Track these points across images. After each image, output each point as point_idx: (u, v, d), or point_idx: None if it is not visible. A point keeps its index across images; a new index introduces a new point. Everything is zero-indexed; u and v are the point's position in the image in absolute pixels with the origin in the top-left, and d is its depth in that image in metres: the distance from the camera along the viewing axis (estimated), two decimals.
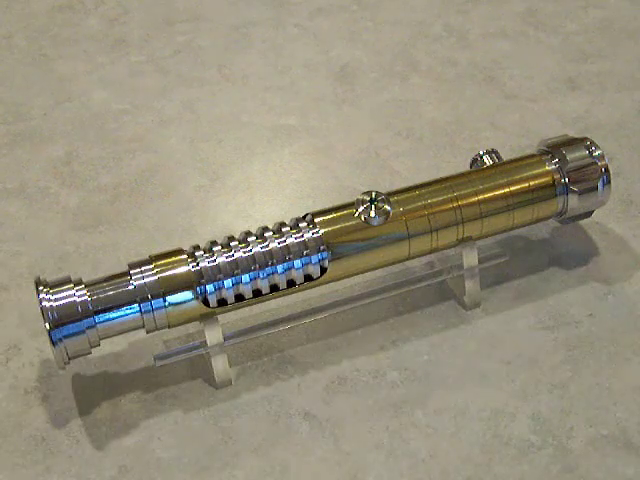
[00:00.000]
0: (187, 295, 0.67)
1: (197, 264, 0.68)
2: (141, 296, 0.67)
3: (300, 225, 0.70)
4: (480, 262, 0.74)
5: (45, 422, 0.69)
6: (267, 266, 0.69)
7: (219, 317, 0.69)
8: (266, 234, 0.70)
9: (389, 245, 0.71)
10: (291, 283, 0.70)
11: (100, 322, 0.66)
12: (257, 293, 0.70)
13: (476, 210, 0.72)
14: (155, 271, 0.68)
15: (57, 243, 0.81)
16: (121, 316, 0.67)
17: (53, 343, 0.65)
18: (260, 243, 0.69)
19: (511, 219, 0.74)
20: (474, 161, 0.77)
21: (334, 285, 0.74)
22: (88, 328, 0.66)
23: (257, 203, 0.85)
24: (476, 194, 0.73)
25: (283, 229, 0.70)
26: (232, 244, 0.69)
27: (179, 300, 0.67)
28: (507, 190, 0.73)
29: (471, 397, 0.69)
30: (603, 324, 0.74)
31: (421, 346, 0.73)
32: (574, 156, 0.74)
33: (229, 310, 0.69)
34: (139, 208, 0.84)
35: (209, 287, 0.68)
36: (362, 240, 0.70)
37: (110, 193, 0.86)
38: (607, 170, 0.75)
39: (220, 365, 0.70)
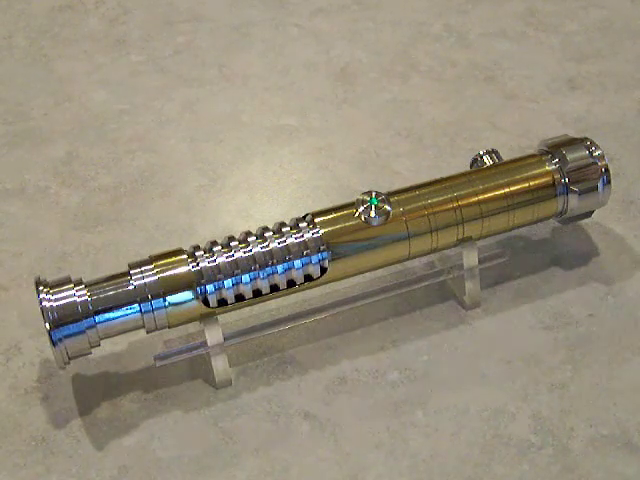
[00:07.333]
0: (187, 295, 0.67)
1: (197, 264, 0.68)
2: (141, 296, 0.67)
3: (300, 225, 0.70)
4: (480, 262, 0.74)
5: (45, 422, 0.69)
6: (267, 266, 0.69)
7: (219, 317, 0.69)
8: (266, 234, 0.70)
9: (389, 245, 0.71)
10: (291, 283, 0.70)
11: (100, 322, 0.67)
12: (257, 293, 0.70)
13: (476, 210, 0.72)
14: (155, 271, 0.68)
15: (57, 243, 0.81)
16: (121, 316, 0.67)
17: (53, 343, 0.66)
18: (260, 243, 0.69)
19: (511, 219, 0.74)
20: (474, 161, 0.77)
21: (334, 285, 0.74)
22: (88, 328, 0.66)
23: (257, 203, 0.85)
24: (476, 194, 0.73)
25: (283, 229, 0.70)
26: (232, 244, 0.69)
27: (179, 300, 0.67)
28: (507, 190, 0.73)
29: (471, 397, 0.69)
30: (603, 324, 0.74)
31: (421, 346, 0.73)
32: (574, 156, 0.74)
33: (229, 310, 0.69)
34: (139, 208, 0.84)
35: (209, 287, 0.68)
36: (362, 240, 0.70)
37: (110, 193, 0.86)
38: (607, 170, 0.75)
39: (220, 365, 0.70)
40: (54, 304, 0.66)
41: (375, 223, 0.70)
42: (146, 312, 0.67)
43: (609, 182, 0.75)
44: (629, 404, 0.69)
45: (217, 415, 0.69)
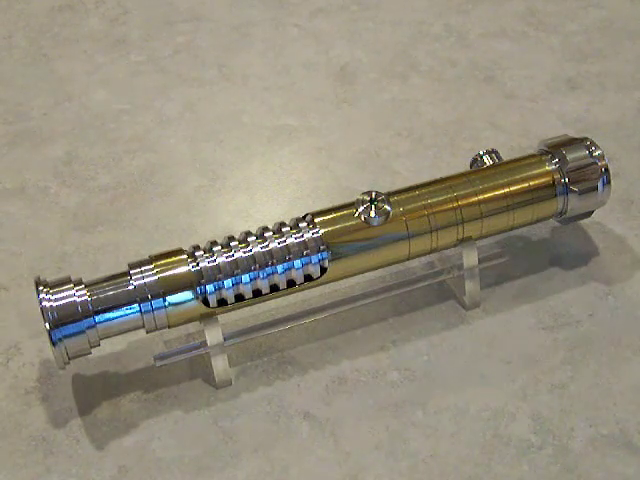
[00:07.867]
0: (187, 295, 0.67)
1: (197, 264, 0.68)
2: (141, 296, 0.67)
3: (300, 225, 0.70)
4: (480, 262, 0.74)
5: (45, 422, 0.69)
6: (267, 266, 0.69)
7: (219, 317, 0.69)
8: (266, 234, 0.70)
9: (389, 245, 0.71)
10: (291, 283, 0.70)
11: (100, 322, 0.66)
12: (257, 293, 0.70)
13: (476, 210, 0.72)
14: (155, 271, 0.68)
15: (57, 243, 0.81)
16: (121, 316, 0.67)
17: (53, 343, 0.66)
18: (260, 243, 0.69)
19: (511, 219, 0.74)
20: (474, 161, 0.77)
21: (334, 285, 0.74)
22: (88, 328, 0.66)
23: (257, 203, 0.85)
24: (476, 194, 0.73)
25: (283, 229, 0.70)
26: (232, 244, 0.69)
27: (179, 300, 0.67)
28: (507, 190, 0.73)
29: (471, 397, 0.69)
30: (603, 324, 0.74)
31: (421, 346, 0.73)
32: (574, 156, 0.74)
33: (229, 310, 0.69)
34: (139, 208, 0.84)
35: (209, 287, 0.68)
36: (362, 240, 0.70)
37: (110, 193, 0.86)
38: (607, 170, 0.75)
39: (220, 365, 0.70)
40: (54, 304, 0.66)
41: (375, 223, 0.70)
42: (146, 312, 0.67)
43: (609, 182, 0.75)
44: (629, 404, 0.69)
45: (217, 415, 0.69)
